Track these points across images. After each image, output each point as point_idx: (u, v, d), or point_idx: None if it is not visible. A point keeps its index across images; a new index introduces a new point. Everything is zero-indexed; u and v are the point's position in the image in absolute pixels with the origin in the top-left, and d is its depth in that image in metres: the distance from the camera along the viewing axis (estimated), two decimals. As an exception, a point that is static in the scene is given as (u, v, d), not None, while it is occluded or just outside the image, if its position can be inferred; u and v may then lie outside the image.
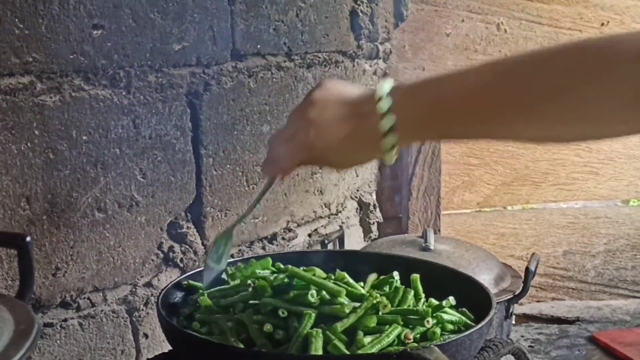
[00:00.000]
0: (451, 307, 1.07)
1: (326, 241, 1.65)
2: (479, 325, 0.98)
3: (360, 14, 1.86)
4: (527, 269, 1.48)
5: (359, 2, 1.86)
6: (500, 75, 0.82)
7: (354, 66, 1.88)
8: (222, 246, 1.12)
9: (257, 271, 1.13)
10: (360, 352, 0.93)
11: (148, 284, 1.43)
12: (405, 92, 0.87)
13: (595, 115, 0.77)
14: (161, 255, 1.44)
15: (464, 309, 1.08)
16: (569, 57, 0.79)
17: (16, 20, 1.14)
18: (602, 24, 2.29)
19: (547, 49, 0.82)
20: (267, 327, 0.98)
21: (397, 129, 0.85)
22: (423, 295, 1.10)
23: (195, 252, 1.48)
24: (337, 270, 1.13)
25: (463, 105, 0.83)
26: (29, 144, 1.18)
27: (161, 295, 1.07)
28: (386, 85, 0.87)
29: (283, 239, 1.70)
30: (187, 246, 1.47)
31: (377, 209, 2.07)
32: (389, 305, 1.01)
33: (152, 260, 1.43)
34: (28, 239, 0.85)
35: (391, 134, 0.86)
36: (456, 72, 0.87)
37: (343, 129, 0.90)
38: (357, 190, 2.00)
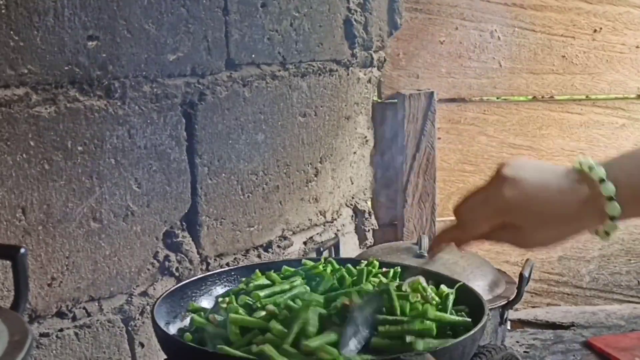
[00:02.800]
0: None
1: (321, 249, 1.65)
2: (472, 332, 0.98)
3: (354, 22, 1.87)
4: (521, 274, 1.48)
5: (352, 11, 1.86)
6: None
7: (348, 74, 1.88)
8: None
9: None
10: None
11: (144, 293, 1.43)
12: (618, 163, 0.86)
13: None
14: (157, 264, 1.44)
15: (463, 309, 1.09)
16: None
17: (11, 32, 1.14)
18: (595, 31, 2.30)
19: None
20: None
21: (617, 196, 0.84)
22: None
23: (190, 261, 1.48)
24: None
25: None
26: (24, 155, 1.19)
27: (156, 305, 1.07)
28: (586, 159, 0.86)
29: (278, 247, 1.70)
30: (182, 255, 1.47)
31: (373, 216, 2.07)
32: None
33: (148, 269, 1.43)
34: (22, 250, 0.85)
35: (613, 201, 0.84)
36: None
37: (549, 191, 0.87)
38: (353, 198, 2.00)
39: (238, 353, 0.95)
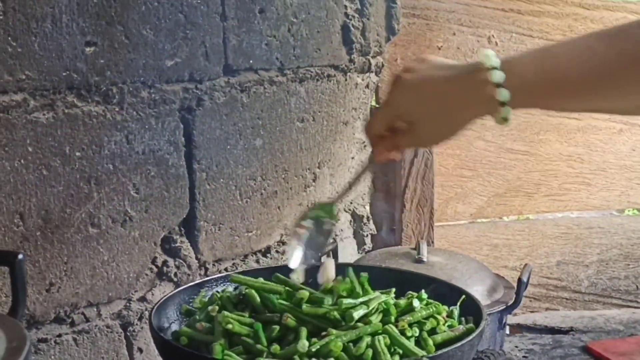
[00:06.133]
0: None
1: (320, 254, 1.65)
2: (470, 337, 0.98)
3: (352, 28, 1.87)
4: (519, 279, 1.48)
5: (350, 17, 1.87)
6: (605, 42, 0.83)
7: (346, 80, 1.88)
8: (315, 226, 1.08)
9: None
10: None
11: (142, 299, 1.43)
12: (517, 63, 0.87)
13: None
14: (155, 269, 1.44)
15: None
16: None
17: (9, 38, 1.14)
18: (592, 36, 2.31)
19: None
20: None
21: (507, 84, 0.86)
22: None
23: (189, 267, 1.48)
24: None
25: (572, 75, 0.84)
26: (22, 161, 1.19)
27: (154, 310, 1.07)
28: (492, 57, 0.87)
29: (277, 252, 1.70)
30: (181, 260, 1.47)
31: (371, 221, 2.07)
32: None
33: (146, 274, 1.43)
34: (20, 256, 0.86)
35: (503, 88, 0.86)
36: (562, 44, 0.90)
37: (441, 85, 0.90)
38: (351, 203, 2.00)
39: (236, 357, 0.96)
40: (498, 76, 0.86)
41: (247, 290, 1.08)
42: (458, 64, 0.93)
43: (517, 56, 0.90)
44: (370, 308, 1.04)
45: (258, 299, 1.06)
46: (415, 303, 1.09)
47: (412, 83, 0.92)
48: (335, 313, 1.02)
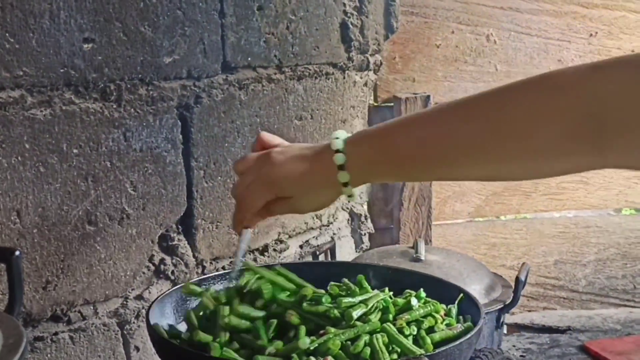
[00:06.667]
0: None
1: (317, 252, 1.65)
2: (468, 336, 0.98)
3: (351, 26, 1.87)
4: (517, 278, 1.48)
5: (349, 15, 1.86)
6: (440, 124, 0.88)
7: (344, 78, 1.88)
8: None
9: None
10: None
11: (139, 297, 1.42)
12: (356, 138, 0.95)
13: (536, 149, 0.80)
14: (152, 267, 1.44)
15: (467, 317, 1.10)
16: (508, 93, 0.83)
17: (7, 34, 1.14)
18: (591, 35, 2.31)
19: (484, 93, 0.86)
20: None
21: (347, 166, 0.93)
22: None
23: (186, 265, 1.48)
24: (331, 283, 1.14)
25: (409, 153, 0.90)
26: (19, 158, 1.18)
27: (151, 308, 1.07)
28: (341, 133, 0.95)
29: (274, 250, 1.70)
30: (178, 258, 1.47)
31: (369, 220, 2.07)
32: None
33: (143, 272, 1.42)
34: (17, 253, 0.85)
35: (343, 171, 0.93)
36: (402, 121, 0.98)
37: (300, 165, 0.98)
38: (349, 201, 2.00)
39: (234, 355, 0.95)
40: (340, 159, 0.93)
41: (260, 284, 1.07)
42: (316, 145, 1.01)
43: (355, 135, 0.96)
44: (370, 307, 1.04)
45: (270, 293, 1.06)
46: (414, 302, 1.09)
47: (277, 160, 1.00)
48: (336, 311, 1.02)
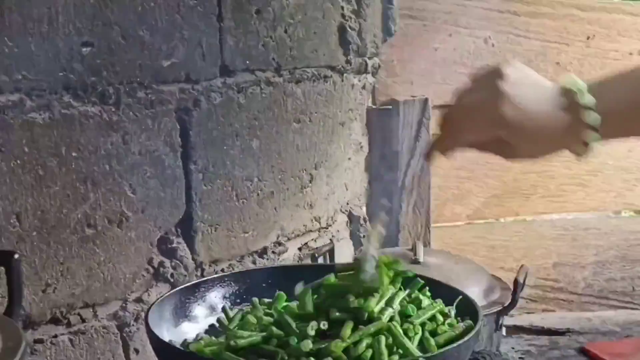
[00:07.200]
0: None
1: (316, 255, 1.66)
2: (467, 338, 0.98)
3: (349, 29, 1.87)
4: (515, 281, 1.48)
5: (347, 18, 1.87)
6: None
7: (342, 81, 1.89)
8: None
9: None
10: None
11: (138, 300, 1.42)
12: (605, 88, 0.89)
13: None
14: (151, 270, 1.44)
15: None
16: None
17: (5, 38, 1.14)
18: (588, 38, 2.32)
19: None
20: None
21: (601, 124, 0.87)
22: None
23: (185, 267, 1.48)
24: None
25: None
26: (18, 161, 1.19)
27: (150, 311, 1.07)
28: (579, 80, 0.89)
29: (273, 252, 1.70)
30: (177, 261, 1.47)
31: (368, 223, 2.07)
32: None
33: (143, 275, 1.43)
34: (16, 256, 0.86)
35: (593, 131, 0.87)
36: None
37: (541, 112, 0.89)
38: (347, 204, 2.01)
39: (232, 356, 0.96)
40: (594, 120, 0.87)
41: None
42: (550, 89, 0.92)
43: (605, 89, 0.89)
44: (394, 310, 1.04)
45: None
46: (425, 302, 1.09)
47: (515, 101, 0.90)
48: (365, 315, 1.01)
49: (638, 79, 0.89)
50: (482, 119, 0.92)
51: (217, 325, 1.16)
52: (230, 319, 1.14)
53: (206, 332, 1.16)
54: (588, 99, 0.87)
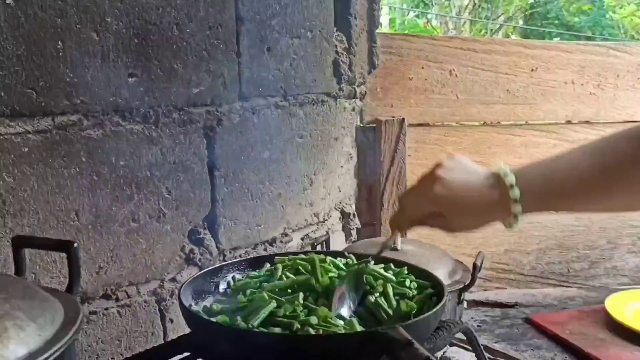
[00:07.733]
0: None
1: (315, 243, 1.65)
2: (435, 309, 0.98)
3: (341, 63, 1.88)
4: (474, 264, 1.48)
5: (340, 54, 1.87)
6: (591, 159, 0.84)
7: (336, 104, 1.89)
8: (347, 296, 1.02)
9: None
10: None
11: (173, 279, 1.42)
12: (525, 172, 0.88)
13: None
14: (183, 256, 1.44)
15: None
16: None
17: (67, 70, 1.15)
18: (532, 70, 2.32)
19: (611, 136, 0.84)
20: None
21: (521, 199, 0.86)
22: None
23: (210, 254, 1.48)
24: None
25: (568, 184, 0.85)
26: (77, 169, 1.19)
27: (182, 288, 1.07)
28: (504, 166, 0.88)
29: (281, 242, 1.70)
30: (204, 249, 1.47)
31: (356, 218, 2.07)
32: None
33: (176, 260, 1.42)
34: (75, 244, 0.85)
35: (517, 203, 0.86)
36: (559, 156, 0.89)
37: (472, 190, 0.90)
38: (340, 203, 2.01)
39: (242, 324, 0.95)
40: (516, 194, 0.87)
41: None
42: (480, 171, 0.92)
43: (523, 172, 0.89)
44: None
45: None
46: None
47: (446, 183, 0.91)
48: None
49: (548, 166, 0.88)
50: (422, 199, 0.94)
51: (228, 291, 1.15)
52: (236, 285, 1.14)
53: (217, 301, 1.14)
54: (511, 178, 0.87)
